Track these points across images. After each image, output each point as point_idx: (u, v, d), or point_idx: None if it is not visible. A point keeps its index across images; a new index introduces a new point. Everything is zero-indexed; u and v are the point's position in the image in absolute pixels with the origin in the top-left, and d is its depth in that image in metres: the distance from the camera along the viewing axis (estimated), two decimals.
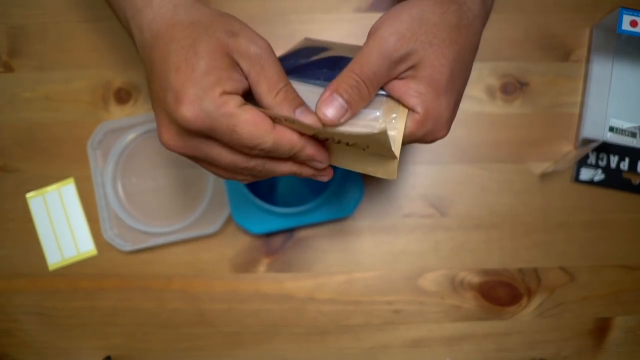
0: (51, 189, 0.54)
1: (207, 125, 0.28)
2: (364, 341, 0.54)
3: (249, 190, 0.49)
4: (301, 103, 0.30)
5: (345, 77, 0.30)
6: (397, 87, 0.31)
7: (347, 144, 0.30)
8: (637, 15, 0.46)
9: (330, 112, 0.29)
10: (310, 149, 0.31)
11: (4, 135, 0.54)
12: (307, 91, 0.32)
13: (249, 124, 0.28)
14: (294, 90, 0.31)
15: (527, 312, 0.53)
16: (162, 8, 0.30)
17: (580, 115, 0.53)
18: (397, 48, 0.29)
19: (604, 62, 0.52)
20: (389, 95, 0.31)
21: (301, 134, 0.30)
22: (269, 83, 0.30)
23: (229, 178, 0.33)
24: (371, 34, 0.31)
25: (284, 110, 0.30)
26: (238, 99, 0.28)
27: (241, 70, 0.30)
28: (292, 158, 0.31)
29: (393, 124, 0.30)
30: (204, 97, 0.28)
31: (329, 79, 0.31)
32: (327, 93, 0.29)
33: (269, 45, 0.30)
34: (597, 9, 0.53)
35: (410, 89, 0.30)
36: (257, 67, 0.30)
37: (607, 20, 0.51)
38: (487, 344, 0.53)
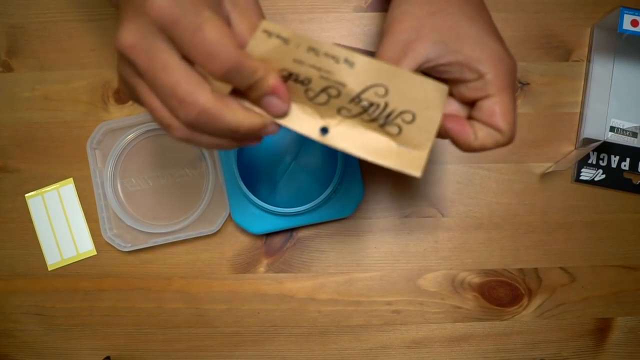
0: (50, 189, 0.54)
1: (174, 15, 0.25)
2: (364, 341, 0.53)
3: (249, 190, 0.49)
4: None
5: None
6: (446, 68, 0.31)
7: (370, 119, 0.28)
8: (638, 15, 0.46)
9: None
10: (273, 79, 0.27)
11: (3, 135, 0.54)
12: None
13: (217, 29, 0.25)
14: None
15: (528, 312, 0.53)
16: None
17: (581, 115, 0.53)
18: (402, 29, 0.30)
19: (605, 62, 0.52)
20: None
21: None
22: (249, 21, 0.28)
23: (160, 116, 0.28)
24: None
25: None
26: (212, 9, 0.26)
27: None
28: (249, 91, 0.28)
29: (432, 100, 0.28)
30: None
31: None
32: None
33: None
34: (597, 8, 0.53)
35: (460, 61, 0.30)
36: (239, 8, 0.28)
37: (607, 20, 0.51)
38: (487, 344, 0.53)
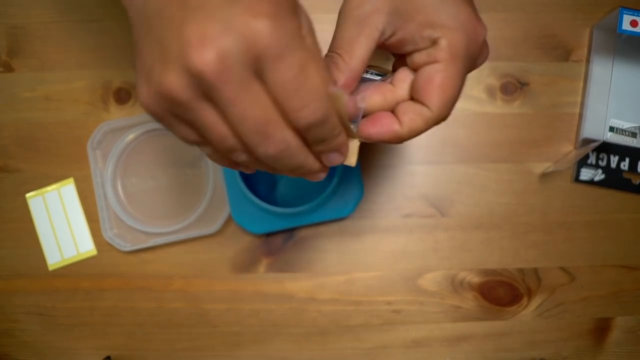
0: (51, 189, 0.54)
1: (281, 47, 0.21)
2: (364, 341, 0.53)
3: (249, 190, 0.49)
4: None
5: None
6: (400, 41, 0.28)
7: None
8: (638, 15, 0.46)
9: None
10: (344, 137, 0.26)
11: (3, 135, 0.54)
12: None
13: (321, 72, 0.22)
14: None
15: (527, 312, 0.53)
16: None
17: (581, 115, 0.53)
18: (360, 3, 0.28)
19: (604, 62, 0.52)
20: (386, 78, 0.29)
21: None
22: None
23: (215, 144, 0.24)
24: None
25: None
26: (314, 40, 0.23)
27: None
28: (321, 144, 0.25)
29: (362, 96, 0.28)
30: (281, 17, 0.21)
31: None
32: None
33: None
34: (597, 8, 0.53)
35: (412, 30, 0.27)
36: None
37: (607, 20, 0.51)
38: (487, 344, 0.53)
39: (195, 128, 0.24)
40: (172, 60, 0.21)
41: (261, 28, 0.20)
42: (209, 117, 0.23)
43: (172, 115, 0.23)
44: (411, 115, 0.28)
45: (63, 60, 0.54)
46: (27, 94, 0.54)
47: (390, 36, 0.28)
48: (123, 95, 0.54)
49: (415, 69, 0.29)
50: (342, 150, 0.26)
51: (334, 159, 0.27)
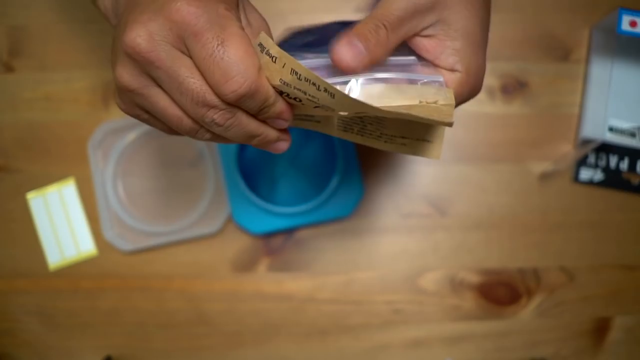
0: (52, 189, 0.54)
1: (199, 24, 0.23)
2: (364, 341, 0.54)
3: (250, 190, 0.49)
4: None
5: (365, 22, 0.26)
6: (429, 46, 0.28)
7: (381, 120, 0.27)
8: (637, 16, 0.46)
9: (345, 53, 0.25)
10: (281, 104, 0.26)
11: (4, 136, 0.54)
12: (322, 66, 0.27)
13: (242, 46, 0.24)
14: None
15: (527, 311, 0.53)
16: None
17: (580, 116, 0.53)
18: None
19: (604, 63, 0.52)
20: (421, 61, 0.28)
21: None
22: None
23: (178, 128, 0.26)
24: None
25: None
26: (239, 23, 0.24)
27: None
28: (258, 114, 0.26)
29: (444, 93, 0.26)
30: (206, 0, 0.24)
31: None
32: (343, 37, 0.26)
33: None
34: (596, 9, 0.53)
35: (446, 48, 0.27)
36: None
37: (606, 21, 0.51)
38: (486, 343, 0.54)
39: (156, 115, 0.26)
40: (118, 53, 0.25)
41: (181, 8, 0.23)
42: (160, 101, 0.25)
43: (136, 107, 0.27)
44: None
45: (63, 60, 0.54)
46: (28, 94, 0.54)
47: (424, 36, 0.28)
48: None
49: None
50: (284, 116, 0.27)
51: (279, 124, 0.27)
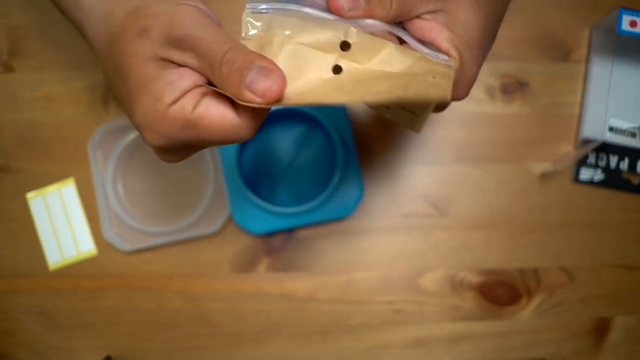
0: (51, 189, 0.54)
1: (179, 142, 0.25)
2: (364, 341, 0.54)
3: (250, 190, 0.49)
4: (253, 61, 0.23)
5: None
6: (427, 27, 0.27)
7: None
8: (637, 16, 0.46)
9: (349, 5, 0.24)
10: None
11: (4, 135, 0.54)
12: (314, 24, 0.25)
13: (214, 127, 0.24)
14: (242, 49, 0.24)
15: (527, 311, 0.53)
16: (92, 27, 0.27)
17: (580, 115, 0.53)
18: None
19: (604, 62, 0.52)
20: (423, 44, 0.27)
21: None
22: (209, 61, 0.24)
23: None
24: None
25: (232, 89, 0.23)
26: (187, 102, 0.24)
27: (177, 62, 0.25)
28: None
29: (443, 66, 0.26)
30: (155, 125, 0.24)
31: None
32: None
33: (192, 12, 0.24)
34: (596, 9, 0.53)
35: (442, 32, 0.27)
36: (189, 52, 0.24)
37: (606, 21, 0.51)
38: (486, 343, 0.54)
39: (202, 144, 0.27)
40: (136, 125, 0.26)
41: (152, 142, 0.26)
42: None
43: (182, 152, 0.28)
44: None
45: (63, 60, 0.54)
46: (28, 94, 0.54)
47: (423, 19, 0.27)
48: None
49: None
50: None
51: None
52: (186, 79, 0.24)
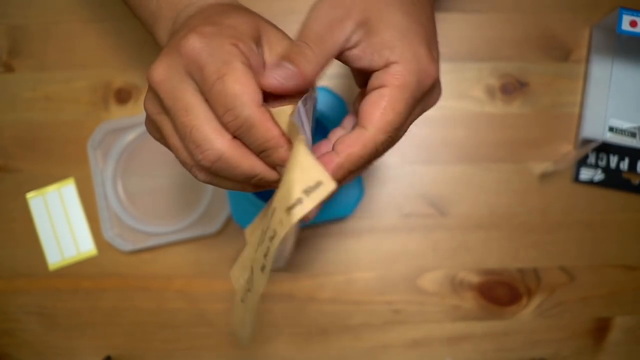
0: (51, 189, 0.54)
1: (202, 58, 0.25)
2: (364, 341, 0.54)
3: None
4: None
5: (289, 46, 0.28)
6: (360, 53, 0.27)
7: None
8: (637, 16, 0.46)
9: (277, 76, 0.26)
10: (285, 152, 0.26)
11: (4, 135, 0.54)
12: None
13: (240, 82, 0.25)
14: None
15: (527, 312, 0.53)
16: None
17: (580, 115, 0.53)
18: (335, 5, 0.27)
19: (604, 62, 0.52)
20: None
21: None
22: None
23: (178, 158, 0.28)
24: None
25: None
26: (244, 58, 0.26)
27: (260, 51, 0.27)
28: (261, 155, 0.27)
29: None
30: (215, 36, 0.26)
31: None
32: (272, 63, 0.27)
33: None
34: (596, 9, 0.53)
35: (374, 45, 0.27)
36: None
37: (606, 21, 0.51)
38: (486, 343, 0.54)
39: (162, 141, 0.29)
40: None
41: (187, 44, 0.25)
42: (166, 129, 0.28)
43: (153, 130, 0.30)
44: (348, 141, 0.27)
45: (63, 60, 0.54)
46: (28, 94, 0.54)
47: (353, 46, 0.28)
48: (123, 95, 0.54)
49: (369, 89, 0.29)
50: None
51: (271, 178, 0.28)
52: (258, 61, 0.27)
